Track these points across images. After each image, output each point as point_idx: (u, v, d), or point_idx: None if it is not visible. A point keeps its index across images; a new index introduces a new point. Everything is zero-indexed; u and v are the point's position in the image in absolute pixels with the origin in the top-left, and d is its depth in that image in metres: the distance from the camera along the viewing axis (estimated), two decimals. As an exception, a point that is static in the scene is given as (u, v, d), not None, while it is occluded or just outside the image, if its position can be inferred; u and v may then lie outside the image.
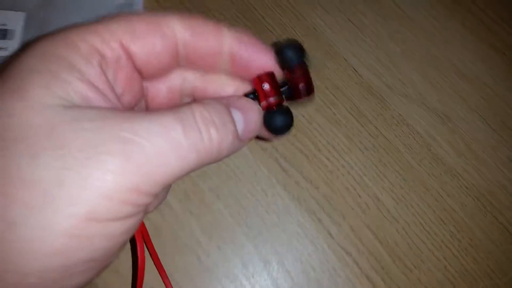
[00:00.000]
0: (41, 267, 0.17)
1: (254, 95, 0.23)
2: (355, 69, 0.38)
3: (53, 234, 0.16)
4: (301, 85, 0.23)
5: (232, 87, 0.24)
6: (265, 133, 0.24)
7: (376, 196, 0.34)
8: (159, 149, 0.17)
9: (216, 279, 0.32)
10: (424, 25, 0.40)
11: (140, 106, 0.24)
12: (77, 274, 0.18)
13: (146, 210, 0.20)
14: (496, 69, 0.39)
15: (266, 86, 0.23)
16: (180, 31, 0.21)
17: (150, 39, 0.20)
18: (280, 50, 0.22)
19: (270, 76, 0.23)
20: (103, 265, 0.19)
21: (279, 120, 0.23)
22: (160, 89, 0.24)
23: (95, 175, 0.16)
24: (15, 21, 0.38)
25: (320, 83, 0.37)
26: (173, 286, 0.31)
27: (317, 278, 0.32)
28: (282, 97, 0.23)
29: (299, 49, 0.22)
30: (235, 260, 0.32)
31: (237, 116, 0.21)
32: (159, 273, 0.29)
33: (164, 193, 0.26)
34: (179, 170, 0.18)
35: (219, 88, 0.24)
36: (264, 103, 0.23)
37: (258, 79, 0.23)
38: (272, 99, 0.23)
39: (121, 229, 0.18)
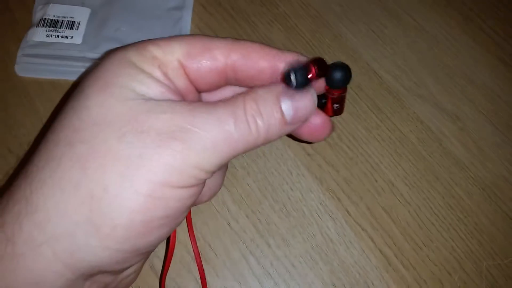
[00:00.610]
0: (127, 220, 0.21)
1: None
2: (376, 72, 0.43)
3: (137, 195, 0.21)
4: (335, 105, 0.26)
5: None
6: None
7: (391, 181, 0.38)
8: (214, 138, 0.22)
9: (243, 243, 0.35)
10: (438, 38, 0.45)
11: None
12: (155, 229, 0.22)
13: (205, 183, 0.24)
14: (503, 78, 0.43)
15: (336, 106, 0.26)
16: (229, 56, 0.24)
17: (201, 60, 0.24)
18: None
19: (342, 93, 0.26)
20: (174, 222, 0.24)
21: (339, 74, 0.24)
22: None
23: (167, 153, 0.21)
24: (82, 15, 0.44)
25: (343, 81, 0.42)
26: (205, 247, 0.35)
27: (335, 249, 0.35)
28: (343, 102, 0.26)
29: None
30: (261, 228, 0.36)
31: (287, 104, 0.24)
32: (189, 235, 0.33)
33: (220, 179, 0.31)
34: (230, 155, 0.23)
35: None
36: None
37: (331, 96, 0.26)
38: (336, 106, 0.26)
39: (187, 194, 0.23)
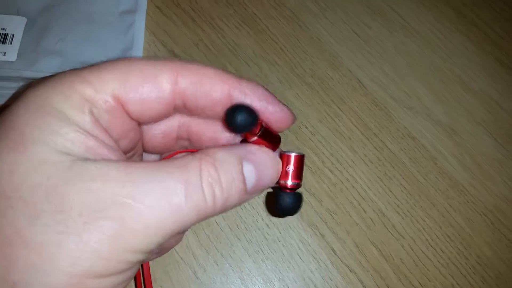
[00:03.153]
0: None
1: None
2: (359, 81, 0.37)
3: None
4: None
5: (229, 135, 0.24)
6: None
7: (381, 211, 0.33)
8: (157, 214, 0.18)
9: (214, 296, 0.30)
10: (429, 38, 0.40)
11: (138, 147, 0.24)
12: None
13: (143, 262, 0.20)
14: (501, 82, 0.38)
15: (291, 168, 0.22)
16: (177, 82, 0.20)
17: (143, 90, 0.19)
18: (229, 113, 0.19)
19: (299, 161, 0.22)
20: None
21: (290, 202, 0.22)
22: (155, 134, 0.24)
23: (93, 239, 0.17)
24: (16, 26, 0.37)
25: (324, 94, 0.36)
26: (168, 302, 0.30)
27: (320, 296, 0.31)
28: (301, 183, 0.23)
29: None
30: (233, 276, 0.31)
31: (250, 171, 0.21)
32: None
33: (177, 238, 0.26)
34: (175, 230, 0.19)
35: (215, 135, 0.24)
36: (282, 182, 0.22)
37: (286, 158, 0.22)
38: (291, 183, 0.22)
39: (117, 280, 0.19)
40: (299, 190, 0.23)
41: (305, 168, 0.34)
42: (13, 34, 0.37)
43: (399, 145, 0.35)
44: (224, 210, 0.20)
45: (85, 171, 0.17)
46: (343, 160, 0.34)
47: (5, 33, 0.37)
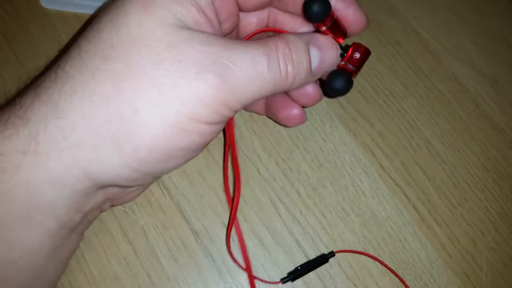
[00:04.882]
0: (150, 145, 0.21)
1: (343, 51, 0.26)
2: (414, 29, 0.41)
3: (163, 123, 0.21)
4: (356, 54, 0.27)
5: (308, 27, 0.28)
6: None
7: (427, 139, 0.37)
8: (247, 76, 0.22)
9: (272, 190, 0.34)
10: (478, 2, 0.44)
11: (235, 32, 0.29)
12: (173, 158, 0.23)
13: (229, 117, 0.24)
14: (543, 46, 0.42)
15: (357, 55, 0.26)
16: None
17: None
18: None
19: (366, 53, 0.27)
20: (191, 155, 0.24)
21: (341, 82, 0.26)
22: (251, 21, 0.29)
23: (201, 87, 0.21)
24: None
25: (382, 37, 0.40)
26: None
27: (367, 202, 0.34)
28: (358, 71, 0.27)
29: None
30: (291, 177, 0.34)
31: (314, 53, 0.25)
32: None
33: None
34: (257, 95, 0.23)
35: (295, 26, 0.28)
36: (343, 63, 0.26)
37: (357, 46, 0.26)
38: (351, 67, 0.26)
39: (210, 130, 0.23)
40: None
41: (359, 96, 0.38)
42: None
43: (446, 87, 0.39)
44: (294, 84, 0.25)
45: (196, 36, 0.22)
46: (396, 93, 0.38)
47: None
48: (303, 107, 0.30)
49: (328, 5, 0.23)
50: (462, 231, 0.34)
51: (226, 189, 0.32)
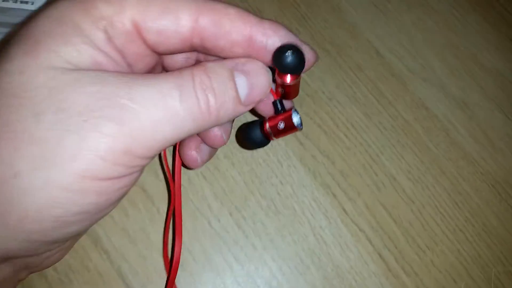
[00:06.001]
0: (37, 213, 0.18)
1: (281, 107, 0.23)
2: (377, 50, 0.38)
3: (51, 186, 0.17)
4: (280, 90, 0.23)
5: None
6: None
7: (393, 175, 0.34)
8: (153, 116, 0.18)
9: (225, 245, 0.31)
10: (446, 16, 0.40)
11: (157, 71, 0.25)
12: (71, 224, 0.20)
13: (142, 171, 0.21)
14: (515, 62, 0.39)
15: (281, 126, 0.23)
16: (197, 20, 0.20)
17: (161, 22, 0.19)
18: (279, 52, 0.20)
19: (292, 129, 0.23)
20: (95, 218, 0.21)
21: (256, 135, 0.23)
22: (176, 60, 0.25)
23: (92, 137, 0.17)
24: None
25: (342, 61, 0.37)
26: (182, 248, 0.30)
27: (329, 252, 0.31)
28: (275, 138, 0.24)
29: (301, 60, 0.20)
30: (246, 228, 0.31)
31: (241, 81, 0.21)
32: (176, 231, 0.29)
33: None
34: (174, 136, 0.19)
35: None
36: (266, 123, 0.24)
37: (290, 116, 0.23)
38: (269, 131, 0.23)
39: (114, 186, 0.19)
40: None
41: (319, 130, 0.35)
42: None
43: (413, 114, 0.36)
44: (220, 119, 0.21)
45: (86, 77, 0.18)
46: (357, 125, 0.35)
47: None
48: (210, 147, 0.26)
49: (303, 56, 0.20)
50: (433, 279, 0.31)
51: (165, 254, 0.29)
